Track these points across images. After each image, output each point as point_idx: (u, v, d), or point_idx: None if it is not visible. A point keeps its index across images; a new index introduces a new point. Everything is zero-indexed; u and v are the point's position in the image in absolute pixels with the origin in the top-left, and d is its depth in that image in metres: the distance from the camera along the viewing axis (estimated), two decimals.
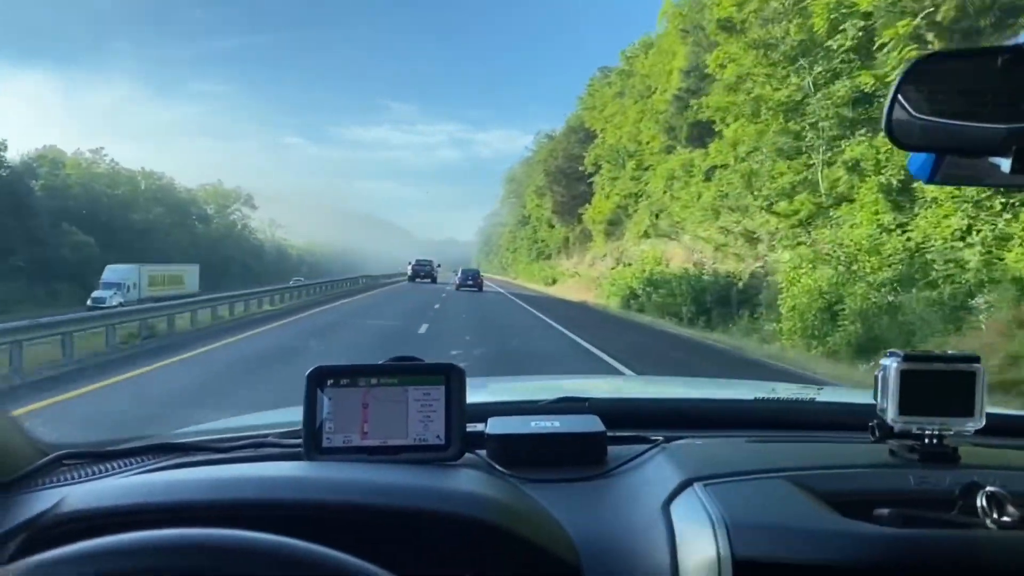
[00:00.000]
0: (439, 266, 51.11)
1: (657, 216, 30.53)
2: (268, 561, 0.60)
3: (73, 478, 1.10)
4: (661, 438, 1.20)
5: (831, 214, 16.49)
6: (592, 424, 1.17)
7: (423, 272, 49.40)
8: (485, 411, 1.23)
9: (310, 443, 1.08)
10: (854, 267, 13.99)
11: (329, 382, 1.10)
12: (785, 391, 1.61)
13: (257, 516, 0.82)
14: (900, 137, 0.78)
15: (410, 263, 52.08)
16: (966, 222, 12.14)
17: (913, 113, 0.77)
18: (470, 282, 39.62)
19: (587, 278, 40.12)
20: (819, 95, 16.95)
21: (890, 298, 12.64)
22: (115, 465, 1.15)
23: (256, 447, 1.20)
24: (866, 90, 15.56)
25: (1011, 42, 0.71)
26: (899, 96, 0.77)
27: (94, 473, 1.12)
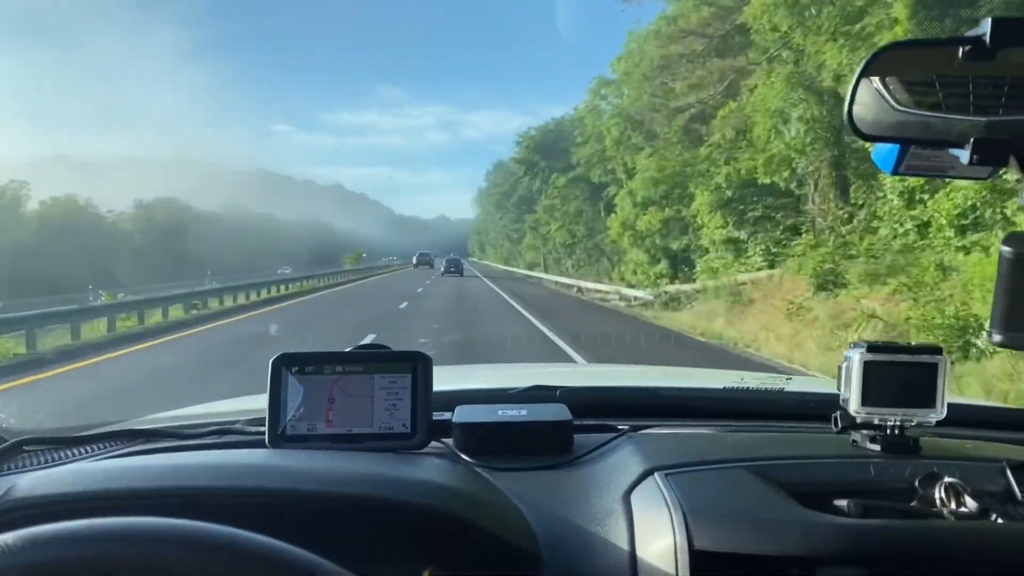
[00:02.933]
0: (435, 256, 69.89)
1: None
2: (203, 549, 0.59)
3: (33, 464, 1.09)
4: (627, 427, 1.20)
5: None
6: (559, 413, 1.17)
7: (425, 261, 67.58)
8: (455, 399, 1.22)
9: (274, 431, 1.08)
10: None
11: (294, 369, 1.10)
12: (754, 381, 1.61)
13: (213, 504, 0.81)
14: (861, 128, 0.78)
15: (415, 256, 72.57)
16: None
17: (874, 103, 0.76)
18: (453, 269, 49.59)
19: None
20: None
21: None
22: (77, 451, 1.14)
23: (221, 434, 1.19)
24: None
25: (972, 33, 0.70)
26: (860, 86, 0.76)
27: (56, 459, 1.11)
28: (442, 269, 50.45)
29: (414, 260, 70.40)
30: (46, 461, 1.10)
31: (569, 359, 10.21)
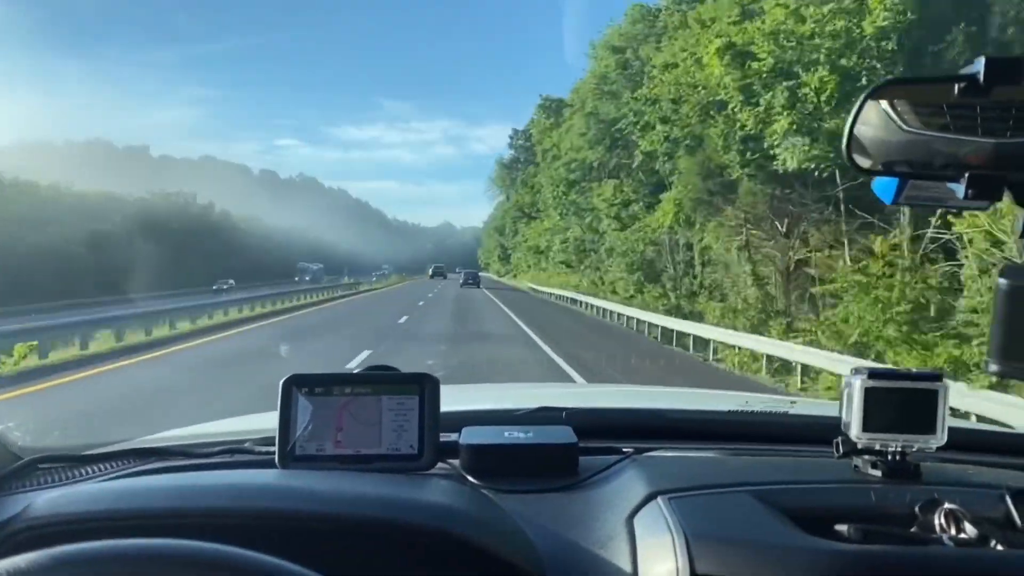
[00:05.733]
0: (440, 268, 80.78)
1: None
2: (223, 571, 0.61)
3: (47, 482, 1.11)
4: (632, 449, 1.21)
5: None
6: (565, 435, 1.18)
7: (439, 272, 78.88)
8: (461, 420, 1.24)
9: (283, 451, 1.09)
10: None
11: (304, 390, 1.11)
12: (759, 404, 1.62)
13: (225, 525, 0.83)
14: (859, 162, 0.80)
15: (430, 268, 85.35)
16: None
17: (871, 138, 0.78)
18: (471, 281, 54.67)
19: None
20: None
21: None
22: (91, 470, 1.16)
23: (231, 453, 1.21)
24: None
25: (967, 71, 0.73)
26: (858, 121, 0.78)
27: (69, 478, 1.13)
28: (461, 281, 57.49)
29: (429, 271, 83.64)
30: (60, 479, 1.12)
31: None
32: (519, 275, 66.29)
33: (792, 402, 1.84)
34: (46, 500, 0.91)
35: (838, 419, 1.07)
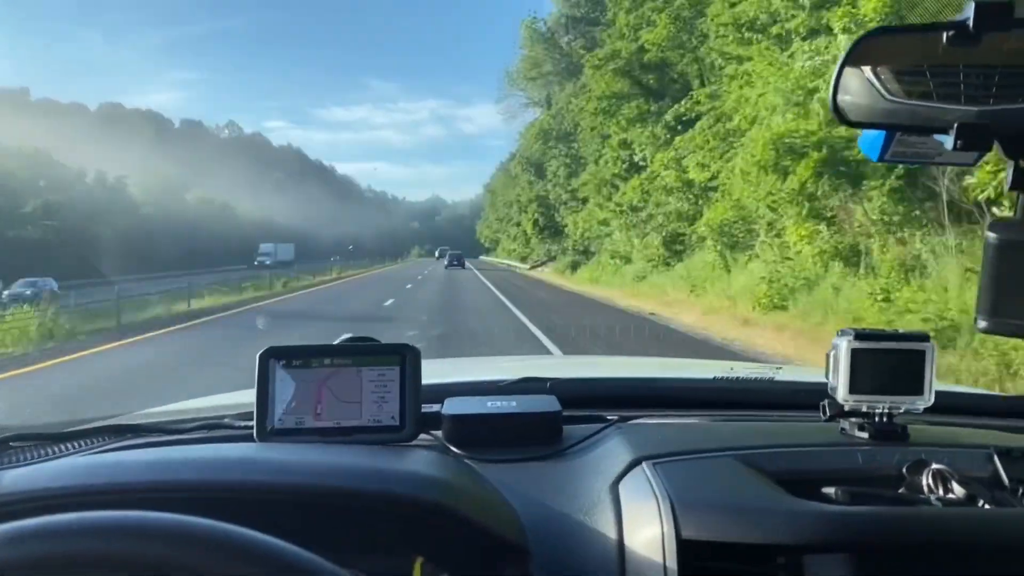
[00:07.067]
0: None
1: None
2: (191, 543, 0.58)
3: (19, 461, 1.08)
4: (616, 417, 1.20)
5: None
6: (548, 404, 1.17)
7: (444, 255, 78.57)
8: (445, 391, 1.22)
9: (262, 425, 1.07)
10: None
11: (282, 363, 1.09)
12: (744, 371, 1.61)
13: (199, 498, 0.81)
14: (847, 114, 0.77)
15: (438, 251, 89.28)
16: None
17: (859, 90, 0.76)
18: (455, 263, 54.55)
19: None
20: None
21: None
22: (64, 447, 1.13)
23: (208, 429, 1.19)
24: None
25: (956, 19, 0.70)
26: (845, 73, 0.76)
27: (42, 456, 1.10)
28: (445, 263, 58.18)
29: (436, 254, 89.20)
30: (32, 457, 1.09)
31: None
32: (603, 274, 29.54)
33: (777, 368, 1.83)
34: (11, 477, 0.88)
35: (824, 384, 1.06)
